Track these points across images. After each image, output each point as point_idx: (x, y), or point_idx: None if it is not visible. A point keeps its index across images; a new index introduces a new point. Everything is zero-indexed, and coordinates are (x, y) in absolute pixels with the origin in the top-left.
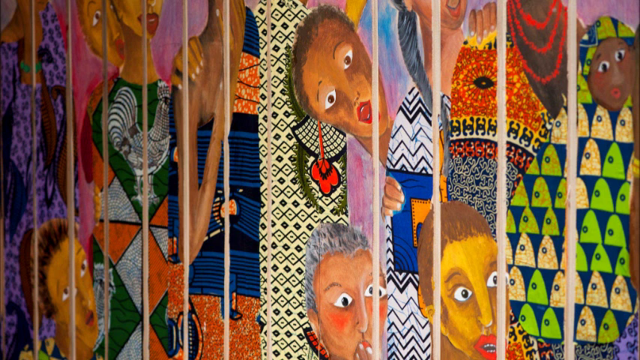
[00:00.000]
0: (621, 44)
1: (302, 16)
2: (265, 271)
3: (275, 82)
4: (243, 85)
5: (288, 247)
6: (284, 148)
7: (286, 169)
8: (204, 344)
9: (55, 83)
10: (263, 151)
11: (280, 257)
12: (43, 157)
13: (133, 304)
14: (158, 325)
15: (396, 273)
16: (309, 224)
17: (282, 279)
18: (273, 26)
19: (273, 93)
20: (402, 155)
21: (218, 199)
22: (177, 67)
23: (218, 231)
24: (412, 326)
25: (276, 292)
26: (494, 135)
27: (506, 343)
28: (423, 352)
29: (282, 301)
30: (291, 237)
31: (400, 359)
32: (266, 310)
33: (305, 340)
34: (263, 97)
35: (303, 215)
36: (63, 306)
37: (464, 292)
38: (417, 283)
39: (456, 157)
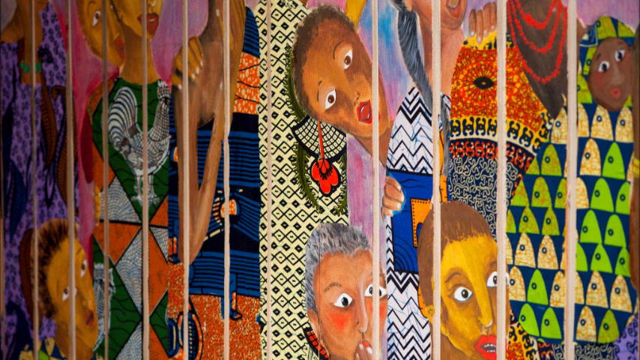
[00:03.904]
0: (621, 44)
1: (302, 16)
2: (265, 271)
3: (275, 82)
4: (243, 85)
5: (288, 247)
6: (284, 148)
7: (286, 169)
8: (204, 344)
9: (55, 83)
10: (263, 151)
11: (280, 257)
12: (43, 157)
13: (133, 304)
14: (158, 325)
15: (396, 273)
16: (309, 224)
17: (282, 279)
18: (273, 26)
19: (273, 93)
20: (402, 155)
21: (218, 199)
22: (177, 67)
23: (218, 231)
24: (412, 326)
25: (276, 292)
26: (494, 135)
27: (506, 343)
28: (423, 352)
29: (282, 301)
30: (291, 237)
31: (400, 359)
32: (266, 310)
33: (305, 340)
34: (263, 97)
35: (303, 215)
36: (63, 306)
37: (464, 292)
38: (417, 283)
39: (456, 157)
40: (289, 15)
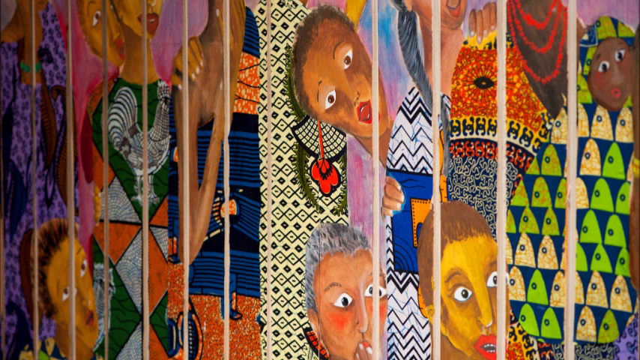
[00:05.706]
0: (621, 44)
1: (302, 16)
2: (265, 271)
3: (275, 82)
4: (243, 85)
5: (288, 247)
6: (284, 148)
7: (286, 169)
8: (204, 344)
9: (55, 83)
10: (263, 151)
11: (280, 257)
12: (43, 157)
13: (133, 304)
14: (158, 325)
15: (396, 273)
16: (309, 224)
17: (282, 279)
18: (273, 26)
19: (273, 93)
20: (402, 155)
21: (218, 199)
22: (177, 67)
23: (218, 231)
24: (412, 326)
25: (276, 292)
26: (494, 135)
27: (506, 343)
28: (423, 352)
29: (282, 301)
30: (291, 237)
31: (400, 359)
32: (266, 310)
33: (305, 340)
34: (263, 97)
35: (303, 215)
36: (63, 306)
37: (464, 292)
38: (417, 283)
39: (456, 157)
40: (289, 15)
